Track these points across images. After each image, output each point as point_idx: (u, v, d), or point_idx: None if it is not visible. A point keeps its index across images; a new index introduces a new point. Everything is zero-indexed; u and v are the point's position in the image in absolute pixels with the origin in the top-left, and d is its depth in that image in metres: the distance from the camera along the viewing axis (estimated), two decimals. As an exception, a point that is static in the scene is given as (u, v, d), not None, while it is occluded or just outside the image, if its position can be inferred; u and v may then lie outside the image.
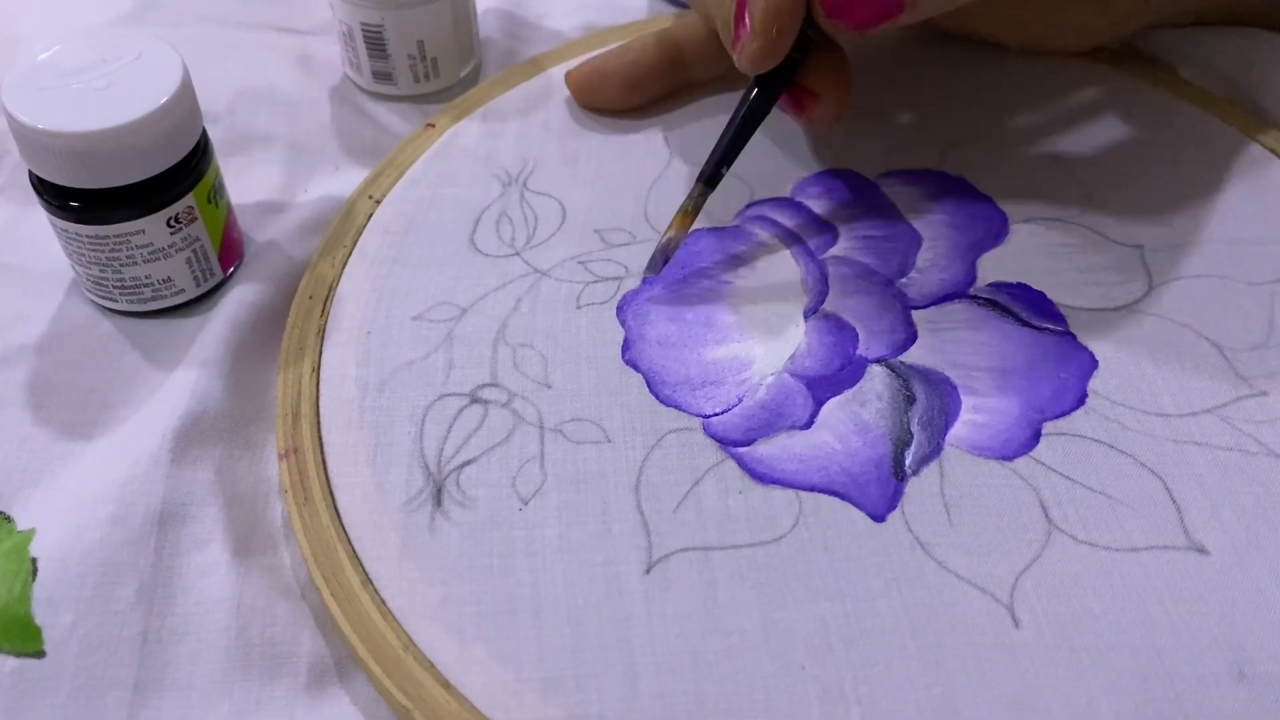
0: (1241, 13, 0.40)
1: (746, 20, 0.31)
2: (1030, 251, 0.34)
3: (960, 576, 0.27)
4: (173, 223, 0.32)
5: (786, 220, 0.35)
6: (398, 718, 0.26)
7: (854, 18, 0.31)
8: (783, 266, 0.34)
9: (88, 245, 0.32)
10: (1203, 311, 0.33)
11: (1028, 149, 0.38)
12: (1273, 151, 0.37)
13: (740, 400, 0.30)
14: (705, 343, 0.32)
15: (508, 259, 0.34)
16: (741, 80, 0.34)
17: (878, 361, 0.31)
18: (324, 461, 0.29)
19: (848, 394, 0.31)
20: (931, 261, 0.34)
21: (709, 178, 0.33)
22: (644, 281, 0.33)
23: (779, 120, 0.37)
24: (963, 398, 0.30)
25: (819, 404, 0.30)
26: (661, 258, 0.33)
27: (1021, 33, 0.39)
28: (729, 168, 0.33)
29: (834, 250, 0.35)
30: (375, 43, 0.40)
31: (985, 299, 0.33)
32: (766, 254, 0.34)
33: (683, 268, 0.34)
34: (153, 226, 0.32)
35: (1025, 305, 0.33)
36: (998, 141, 0.38)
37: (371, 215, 0.35)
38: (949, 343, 0.32)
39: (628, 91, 0.39)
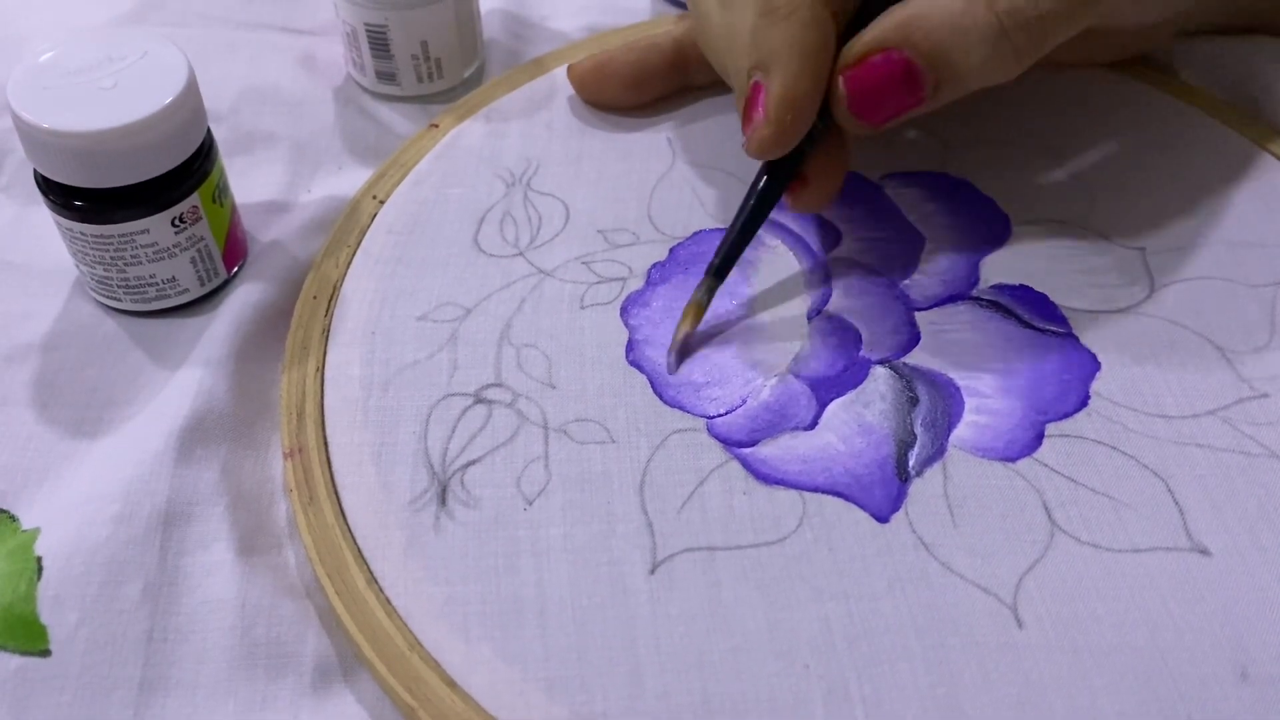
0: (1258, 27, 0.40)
1: (760, 105, 0.30)
2: (1033, 254, 0.34)
3: (964, 577, 0.27)
4: (177, 222, 0.32)
5: (789, 221, 0.35)
6: (403, 717, 0.26)
7: (877, 116, 0.30)
8: (786, 268, 0.34)
9: (92, 244, 0.32)
10: (1204, 314, 0.33)
11: (1030, 151, 0.38)
12: (1274, 155, 0.37)
13: (744, 401, 0.30)
14: (708, 344, 0.32)
15: (511, 259, 0.34)
16: None
17: (881, 363, 0.31)
18: (329, 461, 0.29)
19: (851, 395, 0.31)
20: (934, 263, 0.34)
21: (718, 270, 0.32)
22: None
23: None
24: (966, 399, 0.30)
25: (822, 405, 0.30)
26: (678, 356, 0.31)
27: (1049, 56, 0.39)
28: (738, 259, 0.32)
29: (837, 252, 0.35)
30: (379, 43, 0.40)
31: (988, 301, 0.33)
32: (770, 255, 0.34)
33: (686, 269, 0.34)
34: (157, 226, 0.32)
35: (1028, 307, 0.33)
36: (1000, 144, 0.38)
37: (375, 215, 0.35)
38: (952, 344, 0.32)
39: (629, 90, 0.39)
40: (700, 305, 0.32)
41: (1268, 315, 0.33)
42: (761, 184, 0.32)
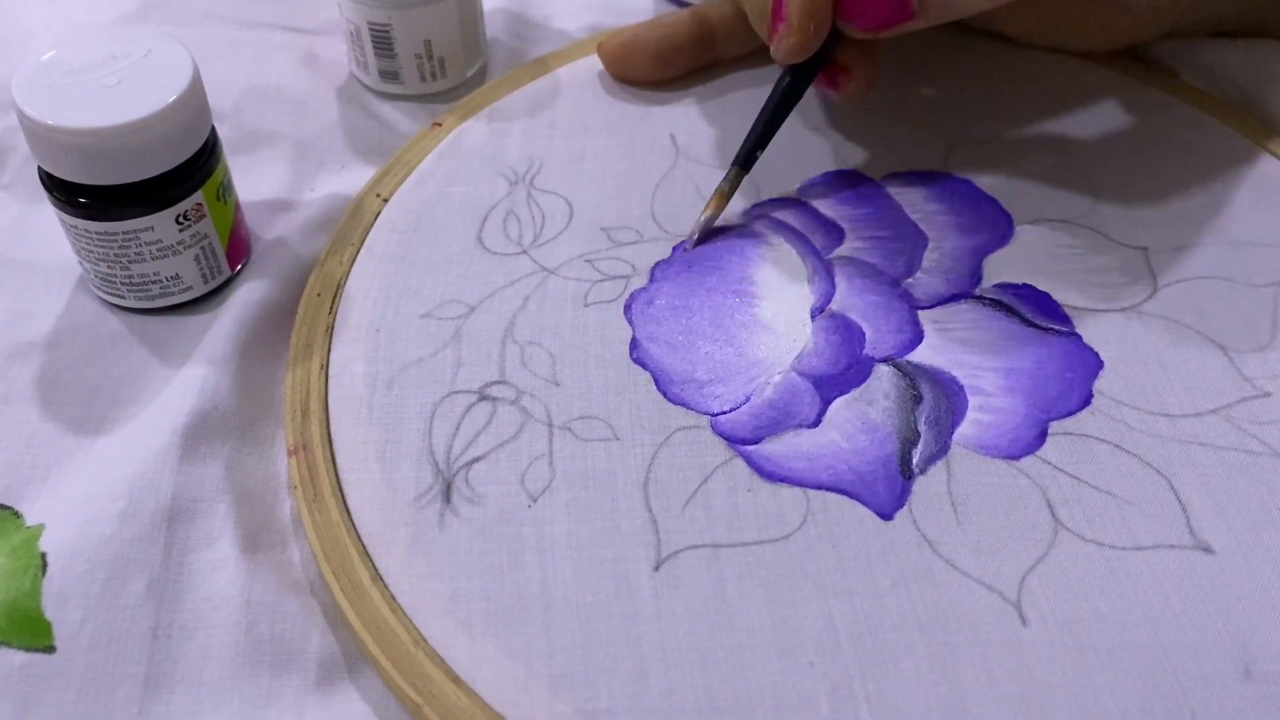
0: (1257, 26, 0.40)
1: (783, 16, 0.32)
2: (1035, 253, 0.34)
3: (968, 575, 0.27)
4: (181, 220, 0.32)
5: (793, 220, 0.36)
6: (408, 713, 0.26)
7: (864, 21, 0.32)
8: (789, 266, 0.34)
9: (96, 242, 0.32)
10: (1207, 313, 0.33)
11: (1033, 151, 0.38)
12: (1274, 155, 0.37)
13: (748, 399, 0.31)
14: (712, 341, 0.32)
15: (515, 257, 0.34)
16: (766, 57, 0.36)
17: (884, 361, 0.31)
18: (333, 458, 0.29)
19: (855, 393, 0.31)
20: (937, 262, 0.34)
21: (744, 160, 0.35)
22: (674, 249, 0.35)
23: (787, 121, 0.38)
24: (969, 397, 0.31)
25: (826, 403, 0.30)
26: (698, 235, 0.34)
27: (1046, 33, 0.40)
28: (763, 151, 0.35)
29: (840, 250, 0.35)
30: (382, 42, 0.40)
31: (991, 299, 0.33)
32: (773, 254, 0.35)
33: (689, 266, 0.34)
34: (161, 223, 0.32)
35: (1031, 306, 0.33)
36: (1003, 143, 0.38)
37: (379, 213, 0.35)
38: (955, 342, 0.32)
39: (657, 65, 0.40)
40: (724, 194, 0.35)
41: (1269, 314, 0.33)
42: (786, 82, 0.35)
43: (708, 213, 0.34)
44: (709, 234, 0.35)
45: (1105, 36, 0.40)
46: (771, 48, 0.34)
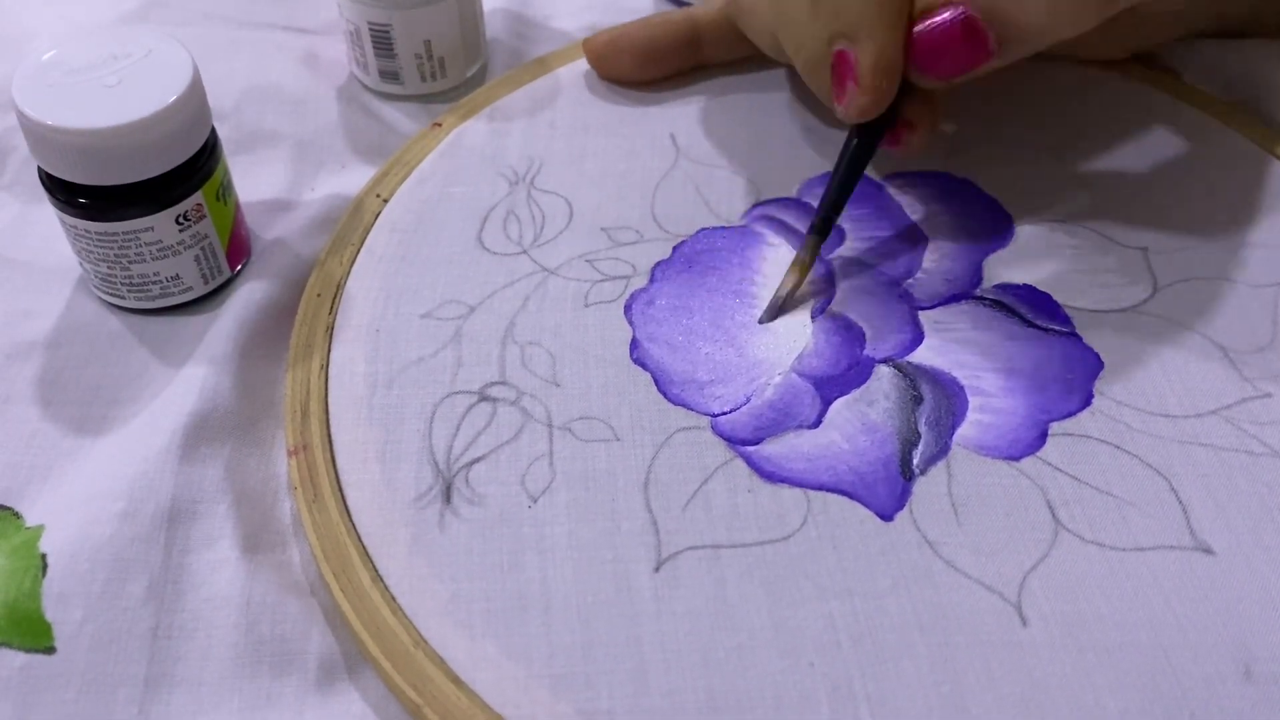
0: (1260, 27, 0.40)
1: (851, 75, 0.31)
2: (1036, 253, 0.34)
3: (968, 575, 0.27)
4: (181, 220, 0.32)
5: (793, 220, 0.36)
6: (408, 714, 0.26)
7: (940, 70, 0.31)
8: (789, 266, 0.34)
9: (96, 242, 0.32)
10: (1207, 314, 0.33)
11: (1033, 151, 0.38)
12: (1275, 156, 0.37)
13: (748, 399, 0.30)
14: (713, 342, 0.32)
15: (515, 257, 0.34)
16: (755, 63, 0.36)
17: (885, 361, 0.31)
18: (333, 458, 0.29)
19: (855, 394, 0.31)
20: (937, 263, 0.34)
21: (820, 228, 0.33)
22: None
23: (786, 121, 0.38)
24: (969, 398, 0.31)
25: (826, 403, 0.30)
26: (776, 309, 0.33)
27: (1066, 44, 0.40)
28: (839, 216, 0.33)
29: (840, 251, 0.35)
30: (382, 42, 0.40)
31: (991, 300, 0.33)
32: (773, 254, 0.34)
33: (690, 267, 0.34)
34: (161, 224, 0.32)
35: (1031, 306, 0.33)
36: (1003, 144, 0.38)
37: (379, 213, 0.35)
38: (955, 343, 0.32)
39: (642, 65, 0.39)
40: (805, 263, 0.33)
41: (1269, 315, 0.33)
42: (855, 143, 0.33)
43: (788, 286, 0.33)
44: (704, 234, 0.35)
45: (1121, 45, 0.39)
46: (839, 108, 0.32)
